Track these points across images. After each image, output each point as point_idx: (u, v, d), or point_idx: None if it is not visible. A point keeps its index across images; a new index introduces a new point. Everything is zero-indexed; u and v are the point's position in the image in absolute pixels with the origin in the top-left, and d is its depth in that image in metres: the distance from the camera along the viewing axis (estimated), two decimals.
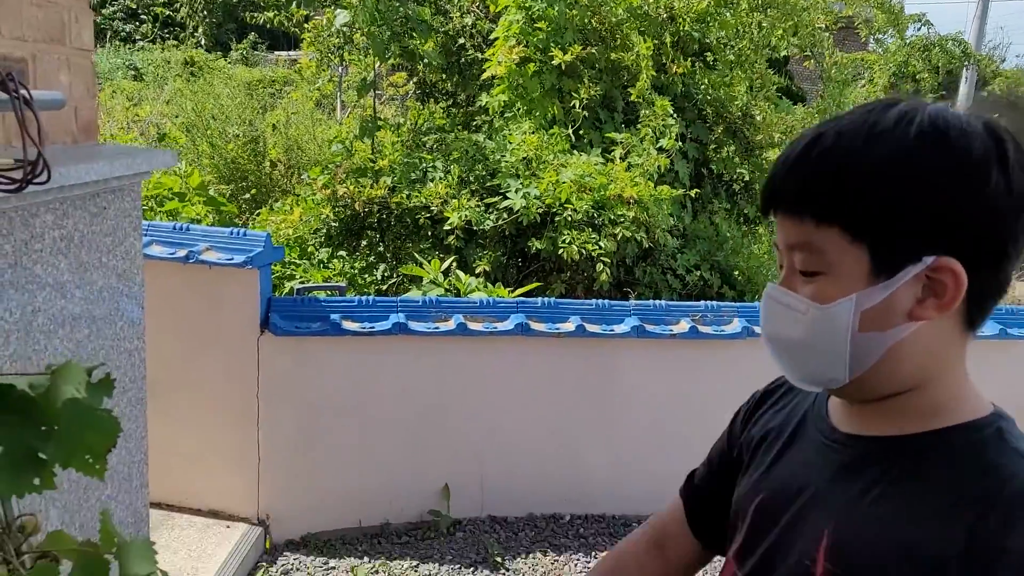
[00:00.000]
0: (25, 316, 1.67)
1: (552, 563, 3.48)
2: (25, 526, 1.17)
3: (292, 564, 3.37)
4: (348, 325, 3.45)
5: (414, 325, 3.52)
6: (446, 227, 4.46)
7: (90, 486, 2.00)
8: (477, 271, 4.38)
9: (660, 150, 4.88)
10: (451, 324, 3.56)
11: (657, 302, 3.90)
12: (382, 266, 4.89)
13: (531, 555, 3.54)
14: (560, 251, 4.25)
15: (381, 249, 4.97)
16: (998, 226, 0.82)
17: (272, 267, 3.82)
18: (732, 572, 1.03)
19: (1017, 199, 0.81)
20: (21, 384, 1.12)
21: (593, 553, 3.56)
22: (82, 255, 1.89)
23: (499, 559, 3.47)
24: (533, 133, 4.84)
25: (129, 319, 2.17)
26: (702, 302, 4.00)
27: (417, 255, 4.51)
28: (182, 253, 3.27)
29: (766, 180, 0.91)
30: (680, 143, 5.13)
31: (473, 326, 3.58)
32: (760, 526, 0.98)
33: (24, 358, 1.70)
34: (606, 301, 3.85)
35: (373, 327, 3.47)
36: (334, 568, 3.35)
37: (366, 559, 3.44)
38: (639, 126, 5.01)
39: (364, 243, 5.00)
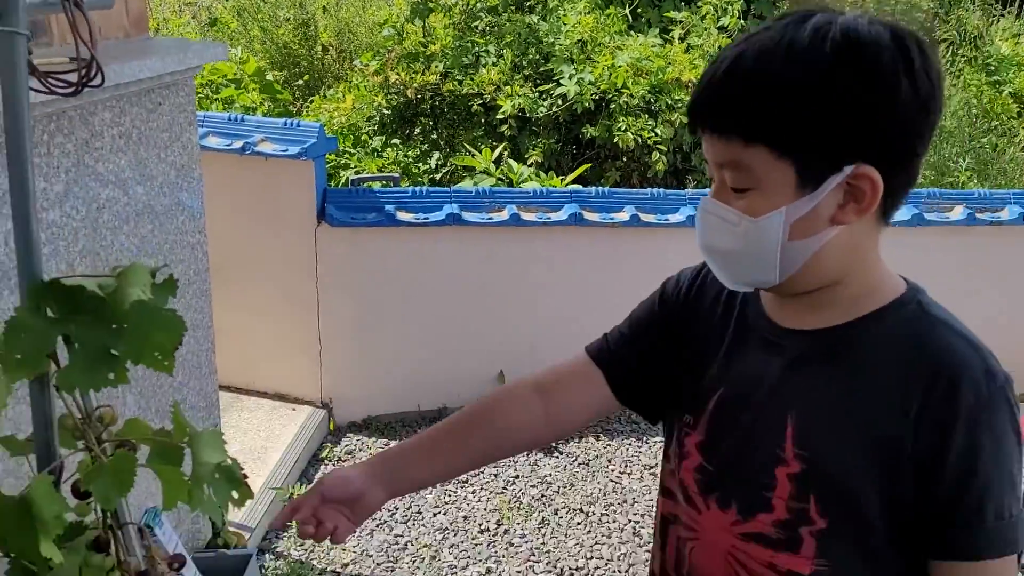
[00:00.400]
0: (91, 214, 1.72)
1: (604, 447, 3.59)
2: (104, 417, 1.24)
3: (355, 445, 3.54)
4: (402, 216, 3.48)
5: (467, 216, 3.52)
6: (499, 115, 4.39)
7: (163, 374, 2.10)
8: (529, 160, 4.33)
9: (721, 29, 4.67)
10: (504, 215, 3.56)
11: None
12: (436, 155, 4.87)
13: (583, 440, 3.65)
14: (615, 138, 4.17)
15: (435, 137, 4.94)
16: (908, 130, 0.90)
17: (327, 156, 3.83)
18: (698, 464, 1.07)
19: (922, 101, 0.88)
20: (91, 285, 1.17)
21: (644, 438, 3.65)
22: (141, 151, 1.92)
23: (552, 443, 3.59)
24: (588, 13, 4.66)
25: (190, 212, 2.22)
26: None
27: (469, 144, 4.47)
28: (238, 145, 3.29)
29: (691, 100, 0.96)
30: (743, 21, 4.89)
31: (526, 216, 3.58)
32: (722, 421, 1.04)
33: (92, 254, 1.77)
34: (661, 190, 3.79)
35: (427, 218, 3.49)
36: None
37: None
38: (699, 4, 4.78)
39: (417, 131, 4.96)
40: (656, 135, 4.13)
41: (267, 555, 2.80)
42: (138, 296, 1.10)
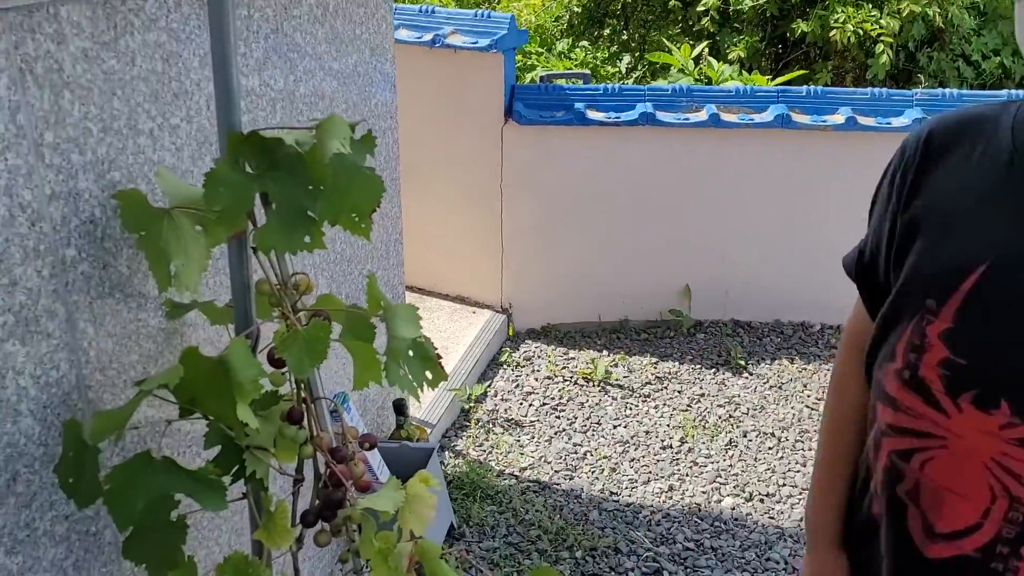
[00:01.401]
0: (288, 85, 1.67)
1: (799, 371, 3.33)
2: (299, 284, 1.18)
3: (533, 351, 3.49)
4: (592, 115, 3.30)
5: (662, 116, 3.29)
6: (699, 8, 4.05)
7: (353, 259, 2.08)
8: (730, 57, 3.99)
9: None
10: (702, 115, 3.30)
11: (946, 91, 3.36)
12: (626, 56, 4.61)
13: (776, 361, 3.40)
14: (831, 32, 3.74)
15: (625, 37, 4.66)
16: None
17: (515, 56, 3.69)
18: (944, 357, 0.86)
19: None
20: (289, 139, 1.09)
21: None
22: (337, 25, 1.84)
23: (742, 362, 3.37)
24: None
25: (382, 97, 2.15)
26: (1003, 91, 3.39)
27: (665, 40, 4.17)
28: (428, 37, 3.21)
29: None
30: None
31: (726, 117, 3.29)
32: (983, 302, 0.85)
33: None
34: (884, 90, 3.36)
35: (619, 117, 3.28)
36: (574, 359, 3.42)
37: (605, 352, 3.48)
38: None
39: (607, 31, 4.71)
40: (880, 27, 3.66)
41: (446, 452, 2.82)
42: (337, 148, 1.01)
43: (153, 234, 1.16)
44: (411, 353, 1.19)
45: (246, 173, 1.05)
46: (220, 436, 1.12)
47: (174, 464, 0.97)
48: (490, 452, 2.84)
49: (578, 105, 3.30)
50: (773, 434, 2.96)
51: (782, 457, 2.84)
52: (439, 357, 1.26)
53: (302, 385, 1.19)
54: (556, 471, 2.75)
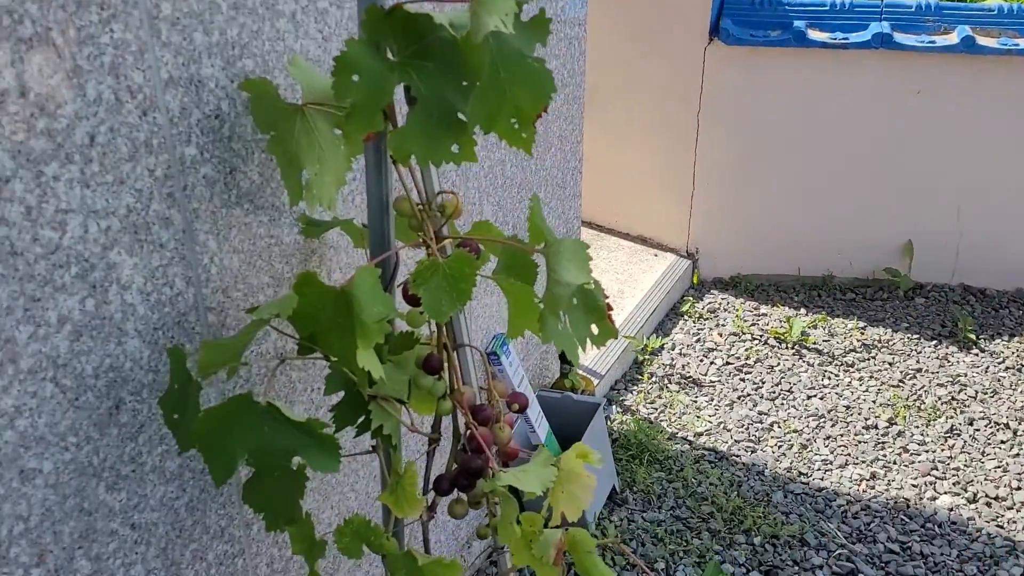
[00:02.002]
0: None
1: None
2: (445, 206, 0.98)
3: (719, 303, 3.17)
4: (814, 35, 2.87)
5: (901, 38, 2.81)
6: None
7: (524, 185, 1.87)
8: None
9: None
10: (952, 38, 2.78)
11: None
12: None
13: (1016, 337, 2.90)
14: None
15: None
16: None
17: None
18: None
19: None
20: (441, 19, 0.87)
21: None
22: None
23: (972, 335, 2.90)
24: None
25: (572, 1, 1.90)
26: None
27: None
28: None
29: None
30: None
31: (984, 41, 2.76)
32: None
33: None
34: None
35: (847, 38, 2.84)
36: (765, 315, 3.08)
37: (803, 311, 3.11)
38: None
39: None
40: None
41: (614, 407, 2.60)
42: (496, 26, 0.78)
43: (283, 135, 1.00)
44: (575, 301, 0.96)
45: (385, 60, 0.84)
46: (343, 381, 0.96)
47: (278, 412, 0.81)
48: (662, 411, 2.59)
49: (798, 23, 2.88)
50: (1007, 425, 2.51)
51: (1018, 454, 2.40)
52: (609, 308, 1.03)
53: (444, 328, 1.00)
54: (736, 441, 2.47)
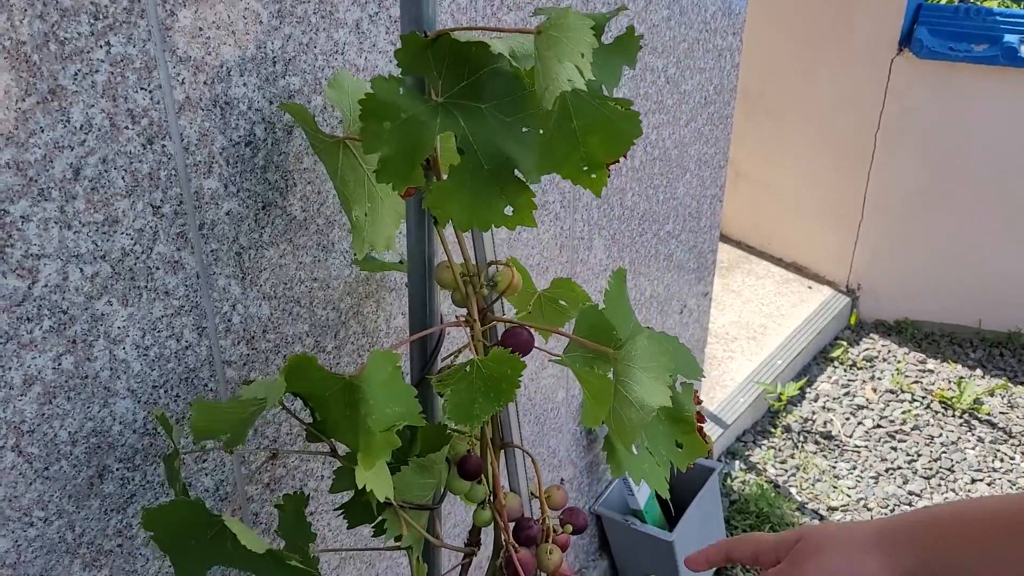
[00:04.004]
0: None
1: None
2: (497, 281, 0.80)
3: (878, 351, 2.82)
4: None
5: None
6: None
7: (647, 216, 1.65)
8: None
9: None
10: None
11: None
12: None
13: None
14: None
15: None
16: None
17: None
18: None
19: None
20: (499, 47, 0.69)
21: None
22: None
23: None
24: None
25: (725, 5, 1.66)
26: None
27: None
28: None
29: None
30: None
31: None
32: None
33: None
34: None
35: None
36: (931, 372, 2.71)
37: (979, 372, 2.71)
38: None
39: None
40: None
41: (737, 462, 2.34)
42: (568, 81, 0.59)
43: (330, 170, 0.85)
44: (655, 418, 0.77)
45: (427, 101, 0.67)
46: (347, 475, 0.80)
47: (235, 538, 0.65)
48: (792, 475, 2.31)
49: (1009, 38, 2.48)
50: None
51: None
52: (700, 420, 0.82)
53: (487, 423, 0.82)
54: None
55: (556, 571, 0.85)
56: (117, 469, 0.83)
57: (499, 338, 0.76)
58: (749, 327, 2.84)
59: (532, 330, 0.77)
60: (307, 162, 0.92)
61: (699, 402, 0.82)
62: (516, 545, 0.83)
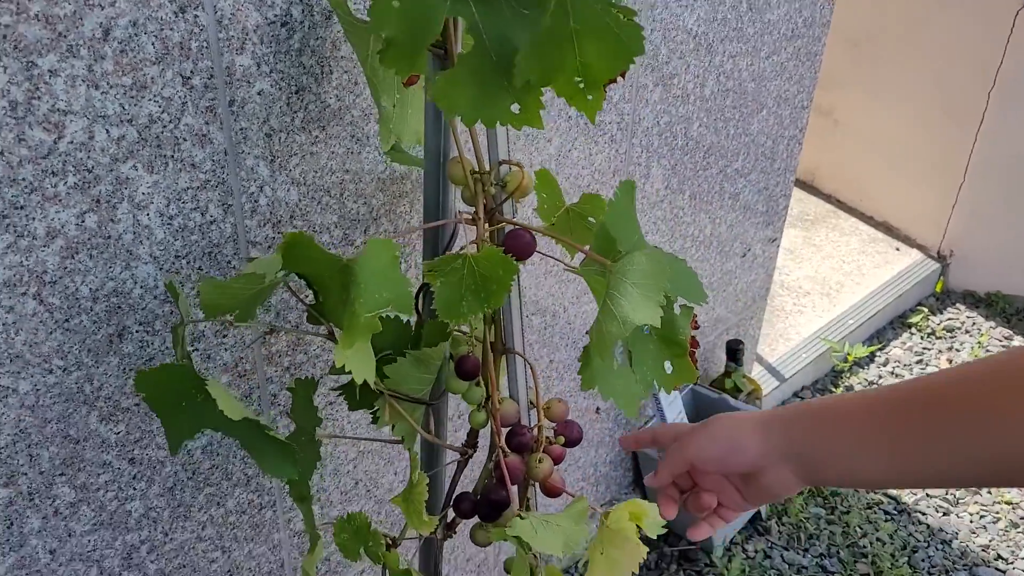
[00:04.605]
0: None
1: None
2: (506, 181, 0.79)
3: (962, 322, 2.70)
4: None
5: None
6: None
7: (713, 149, 1.60)
8: None
9: None
10: None
11: None
12: None
13: None
14: None
15: None
16: None
17: None
18: None
19: None
20: None
21: None
22: None
23: None
24: None
25: None
26: None
27: None
28: None
29: None
30: None
31: None
32: None
33: None
34: None
35: None
36: None
37: None
38: None
39: None
40: None
41: None
42: None
43: (361, 57, 0.85)
44: (646, 330, 0.75)
45: None
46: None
47: (216, 403, 0.68)
48: None
49: None
50: None
51: None
52: (694, 345, 0.80)
53: (490, 322, 0.83)
54: (928, 495, 2.10)
55: (545, 479, 0.86)
56: (136, 331, 0.87)
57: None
58: (825, 283, 2.74)
59: (535, 235, 0.76)
60: (344, 50, 0.92)
61: (696, 327, 0.80)
62: (507, 450, 0.84)
